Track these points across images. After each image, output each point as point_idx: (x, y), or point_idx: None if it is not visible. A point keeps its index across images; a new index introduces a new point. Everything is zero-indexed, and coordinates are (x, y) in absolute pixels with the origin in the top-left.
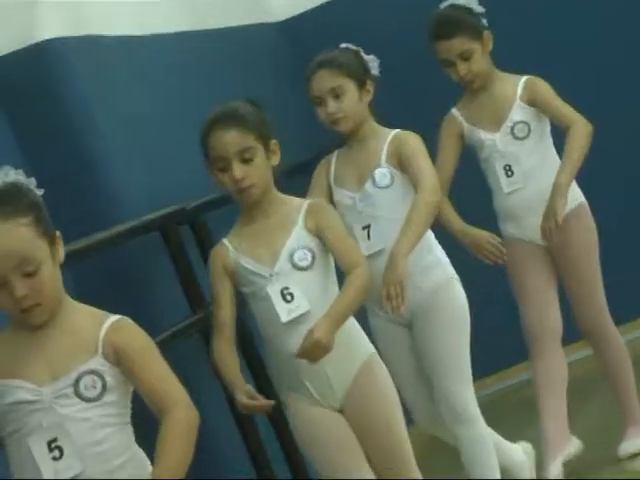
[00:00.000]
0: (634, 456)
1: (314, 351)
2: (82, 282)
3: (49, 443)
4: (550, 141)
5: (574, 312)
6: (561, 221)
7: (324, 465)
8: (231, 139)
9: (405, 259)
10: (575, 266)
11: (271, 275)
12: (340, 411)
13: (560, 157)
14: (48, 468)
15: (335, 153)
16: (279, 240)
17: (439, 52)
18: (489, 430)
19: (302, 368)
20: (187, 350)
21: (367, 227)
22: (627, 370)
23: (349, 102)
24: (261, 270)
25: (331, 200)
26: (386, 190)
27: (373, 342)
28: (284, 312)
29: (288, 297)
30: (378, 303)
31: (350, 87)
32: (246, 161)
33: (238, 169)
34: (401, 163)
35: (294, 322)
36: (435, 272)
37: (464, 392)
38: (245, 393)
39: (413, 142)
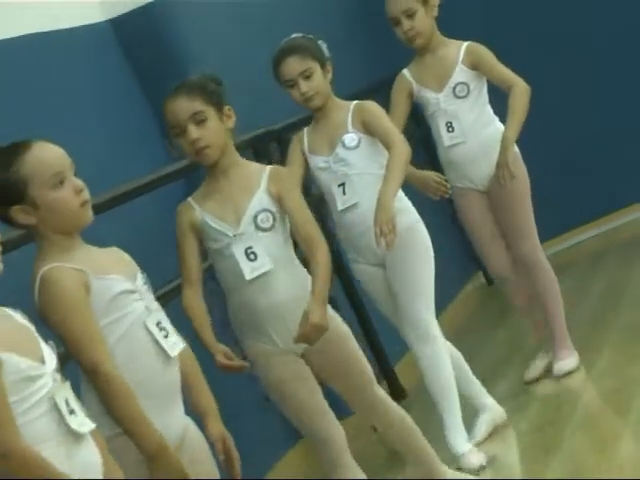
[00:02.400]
0: (569, 373)
1: (314, 334)
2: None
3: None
4: (486, 100)
5: (510, 246)
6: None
7: (290, 404)
8: (181, 106)
9: (392, 202)
10: (512, 206)
11: (235, 235)
12: (302, 356)
13: (495, 114)
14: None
15: (304, 130)
16: (243, 202)
17: (388, 11)
18: (461, 357)
19: (266, 320)
20: None
21: (342, 185)
22: (556, 296)
23: (317, 81)
24: (226, 229)
25: (307, 168)
26: (355, 151)
27: (357, 284)
28: (248, 270)
29: (252, 256)
30: (357, 250)
31: (317, 68)
32: (199, 123)
33: (192, 131)
34: (366, 127)
35: (257, 279)
36: (404, 217)
37: (427, 315)
38: (223, 354)
39: (373, 108)
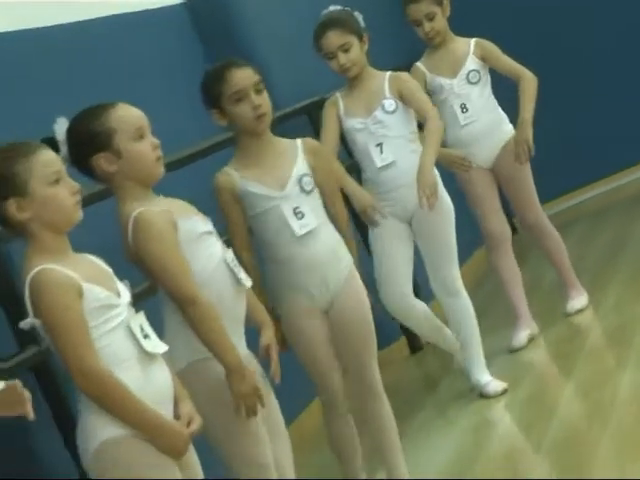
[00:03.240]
0: (579, 311)
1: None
2: None
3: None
4: (490, 89)
5: (517, 213)
6: (530, 146)
7: (306, 355)
8: (247, 73)
9: (432, 169)
10: (518, 179)
11: (281, 198)
12: (325, 312)
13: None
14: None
15: (337, 95)
16: (286, 167)
17: (410, 14)
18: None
19: (306, 273)
20: None
21: (379, 144)
22: (563, 252)
23: (354, 53)
24: (271, 193)
25: (341, 130)
26: (392, 115)
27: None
28: (297, 227)
29: (299, 215)
30: (390, 205)
31: (354, 42)
32: (259, 92)
33: (256, 98)
34: (401, 96)
35: (304, 236)
36: None
37: (454, 271)
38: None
39: (410, 80)
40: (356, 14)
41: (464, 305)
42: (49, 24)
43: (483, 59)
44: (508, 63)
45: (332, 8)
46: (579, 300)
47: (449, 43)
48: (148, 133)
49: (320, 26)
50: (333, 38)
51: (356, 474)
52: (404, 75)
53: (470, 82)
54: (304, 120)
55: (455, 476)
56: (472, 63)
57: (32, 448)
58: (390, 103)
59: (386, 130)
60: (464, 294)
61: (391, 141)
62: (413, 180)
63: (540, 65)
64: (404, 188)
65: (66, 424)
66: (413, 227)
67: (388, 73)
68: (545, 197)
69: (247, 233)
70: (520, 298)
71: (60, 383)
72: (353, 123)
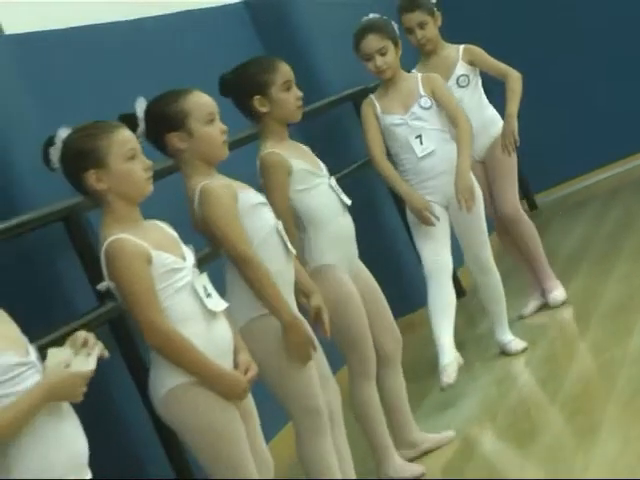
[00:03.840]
0: (563, 303)
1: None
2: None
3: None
4: (482, 90)
5: (495, 201)
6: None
7: (358, 319)
8: (290, 68)
9: (469, 172)
10: (503, 169)
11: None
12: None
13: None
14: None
15: (372, 96)
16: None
17: (403, 22)
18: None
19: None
20: None
21: (419, 136)
22: (538, 242)
23: (390, 57)
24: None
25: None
26: (428, 111)
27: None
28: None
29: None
30: (430, 191)
31: (390, 46)
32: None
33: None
34: (434, 95)
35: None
36: None
37: (487, 252)
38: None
39: (440, 82)
40: (393, 23)
41: (496, 280)
42: (131, 18)
43: (472, 63)
44: (495, 64)
45: (372, 15)
46: (559, 291)
47: (440, 50)
48: (217, 118)
49: (361, 30)
50: (372, 42)
51: (386, 440)
52: (434, 76)
53: (460, 86)
54: (349, 106)
55: (481, 422)
56: (461, 68)
57: (109, 396)
58: (426, 100)
59: (424, 123)
60: (495, 270)
61: (429, 133)
62: (451, 167)
63: (553, 50)
64: (443, 175)
65: (139, 372)
66: (450, 212)
67: (419, 74)
68: (562, 178)
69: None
70: (530, 272)
71: (133, 335)
72: (392, 119)
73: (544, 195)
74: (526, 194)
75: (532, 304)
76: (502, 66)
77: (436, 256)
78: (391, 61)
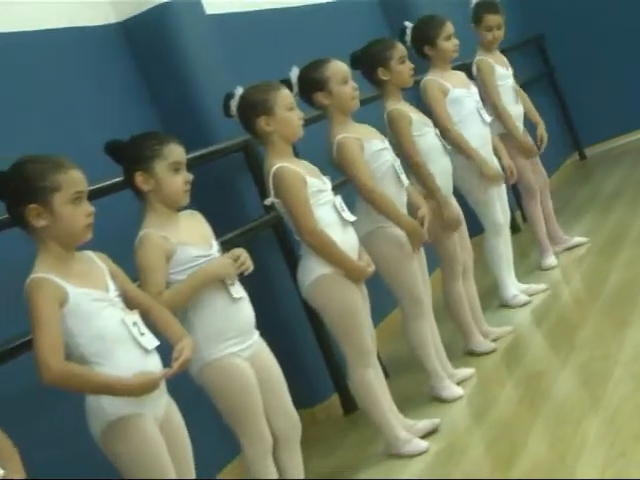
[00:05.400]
0: (552, 268)
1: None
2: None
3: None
4: None
5: (535, 175)
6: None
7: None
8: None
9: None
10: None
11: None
12: None
13: None
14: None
15: (433, 76)
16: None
17: (485, 21)
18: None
19: None
20: None
21: (480, 107)
22: (539, 213)
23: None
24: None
25: None
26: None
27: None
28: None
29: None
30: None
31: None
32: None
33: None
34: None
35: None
36: None
37: (501, 219)
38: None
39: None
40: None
41: (505, 240)
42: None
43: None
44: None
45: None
46: (552, 259)
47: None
48: (350, 80)
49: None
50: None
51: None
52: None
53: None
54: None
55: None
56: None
57: (271, 279)
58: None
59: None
60: (507, 231)
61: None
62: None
63: (609, 5)
64: (489, 145)
65: (292, 264)
66: None
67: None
68: (609, 134)
69: None
70: (544, 236)
71: (289, 236)
72: (460, 92)
73: (592, 148)
74: (577, 146)
75: (548, 260)
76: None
77: (504, 213)
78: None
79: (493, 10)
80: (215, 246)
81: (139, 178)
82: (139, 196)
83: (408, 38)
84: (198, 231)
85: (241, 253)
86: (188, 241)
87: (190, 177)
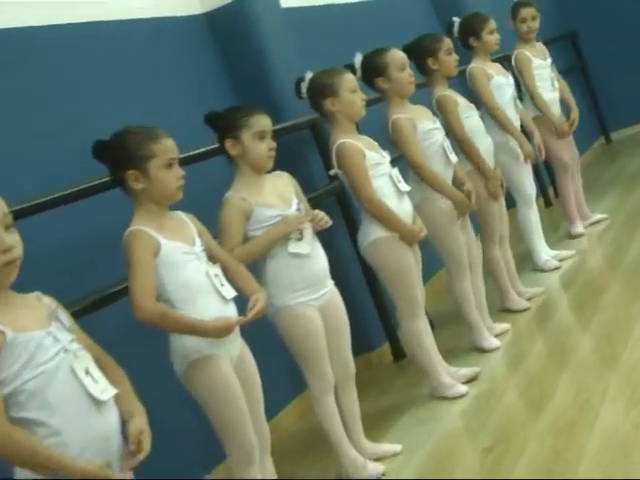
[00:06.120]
0: (580, 236)
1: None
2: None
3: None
4: None
5: (570, 151)
6: None
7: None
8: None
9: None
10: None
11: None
12: None
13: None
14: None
15: (479, 65)
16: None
17: (521, 13)
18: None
19: None
20: None
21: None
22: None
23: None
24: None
25: None
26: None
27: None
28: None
29: None
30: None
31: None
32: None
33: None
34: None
35: None
36: None
37: (532, 190)
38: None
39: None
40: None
41: (534, 212)
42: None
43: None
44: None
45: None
46: (580, 228)
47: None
48: (407, 67)
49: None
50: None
51: None
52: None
53: (552, 64)
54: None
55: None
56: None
57: (334, 239)
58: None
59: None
60: (534, 204)
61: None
62: None
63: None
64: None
65: (352, 227)
66: None
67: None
68: (633, 119)
69: None
70: (574, 207)
71: (349, 203)
72: (501, 80)
73: (618, 132)
74: (604, 131)
75: (576, 229)
76: None
77: (532, 188)
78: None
79: (527, 4)
80: (294, 205)
81: (228, 144)
82: (230, 161)
83: (455, 30)
84: (279, 191)
85: (318, 213)
86: (267, 202)
87: (273, 145)
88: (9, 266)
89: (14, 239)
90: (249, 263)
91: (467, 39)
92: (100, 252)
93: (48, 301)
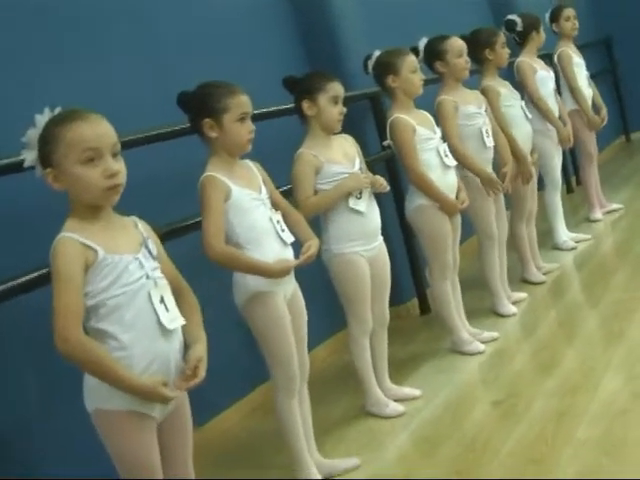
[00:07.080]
0: (597, 221)
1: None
2: None
3: None
4: None
5: (595, 143)
6: None
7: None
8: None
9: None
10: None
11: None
12: None
13: None
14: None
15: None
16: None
17: (564, 12)
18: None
19: None
20: None
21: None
22: (592, 173)
23: None
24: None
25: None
26: None
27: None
28: None
29: None
30: None
31: None
32: None
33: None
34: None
35: None
36: None
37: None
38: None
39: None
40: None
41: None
42: None
43: None
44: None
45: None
46: (598, 214)
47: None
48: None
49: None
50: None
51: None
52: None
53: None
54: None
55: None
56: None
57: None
58: None
59: None
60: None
61: None
62: None
63: None
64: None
65: (397, 191)
66: None
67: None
68: None
69: None
70: (595, 195)
71: (398, 170)
72: (544, 74)
73: (638, 133)
74: (625, 130)
75: (596, 214)
76: None
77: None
78: None
79: (568, 5)
80: (357, 164)
81: (305, 105)
82: (303, 121)
83: (517, 27)
84: (345, 151)
85: (379, 178)
86: (335, 159)
87: (344, 110)
88: (113, 190)
89: (120, 166)
90: (320, 212)
91: (526, 35)
92: (179, 188)
93: (142, 228)
